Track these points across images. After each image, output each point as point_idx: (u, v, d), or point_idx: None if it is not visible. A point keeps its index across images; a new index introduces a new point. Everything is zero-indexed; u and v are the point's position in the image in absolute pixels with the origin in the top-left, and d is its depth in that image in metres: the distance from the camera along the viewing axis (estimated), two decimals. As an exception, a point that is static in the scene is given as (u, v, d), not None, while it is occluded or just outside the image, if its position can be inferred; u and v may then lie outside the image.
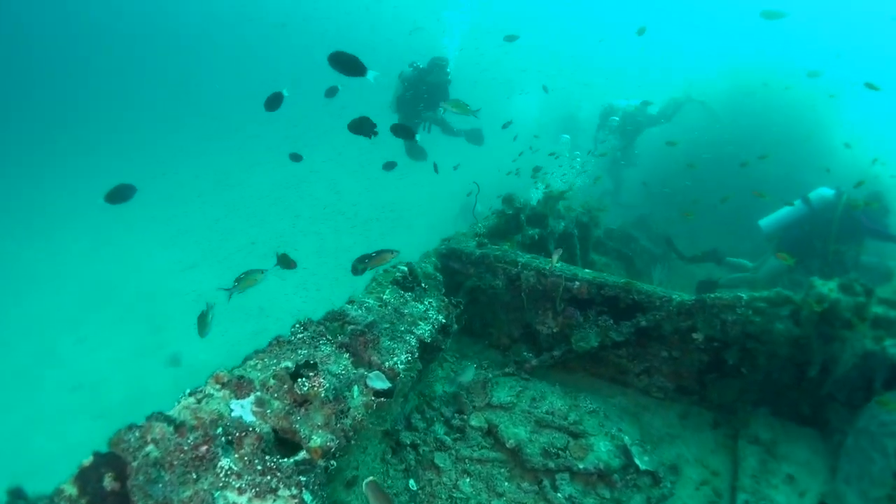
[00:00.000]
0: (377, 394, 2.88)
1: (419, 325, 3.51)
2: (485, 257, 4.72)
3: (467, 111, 10.53)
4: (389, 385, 2.90)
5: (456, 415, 4.07)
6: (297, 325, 3.15)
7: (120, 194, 6.77)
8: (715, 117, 13.22)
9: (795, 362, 4.28)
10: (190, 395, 2.63)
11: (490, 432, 3.96)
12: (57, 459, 12.55)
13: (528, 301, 4.63)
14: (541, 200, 7.12)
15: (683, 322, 4.24)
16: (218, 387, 2.67)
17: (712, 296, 4.21)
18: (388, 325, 3.33)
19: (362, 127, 5.13)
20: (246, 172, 25.11)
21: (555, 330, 4.62)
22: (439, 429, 3.96)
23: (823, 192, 7.89)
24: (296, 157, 10.03)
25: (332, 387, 2.70)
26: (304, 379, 2.65)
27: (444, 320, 3.71)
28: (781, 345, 4.19)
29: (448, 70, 12.16)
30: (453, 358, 4.75)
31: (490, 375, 4.37)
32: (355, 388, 2.83)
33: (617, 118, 13.76)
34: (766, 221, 8.32)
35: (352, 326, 3.18)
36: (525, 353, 4.67)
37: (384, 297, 3.67)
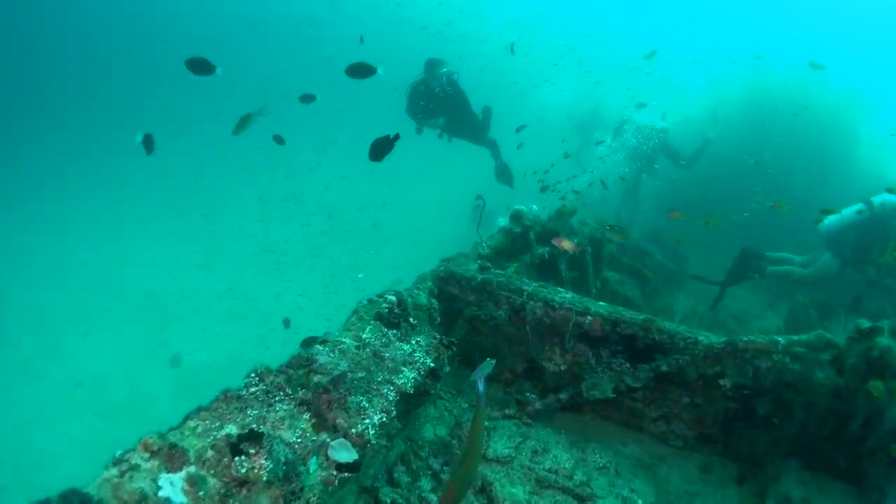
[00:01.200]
0: (340, 467, 2.31)
1: (402, 371, 2.93)
2: (487, 283, 4.14)
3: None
4: (355, 457, 2.34)
5: (445, 468, 3.50)
6: (253, 375, 2.58)
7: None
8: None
9: (835, 413, 3.70)
10: (114, 464, 2.07)
11: (483, 490, 3.38)
12: (61, 457, 12.21)
13: (534, 335, 4.05)
14: (552, 216, 6.55)
15: (710, 368, 3.65)
16: (146, 455, 2.12)
17: (745, 339, 3.62)
18: (363, 375, 2.75)
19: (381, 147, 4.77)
20: (266, 174, 24.56)
21: (562, 368, 4.04)
22: (426, 484, 3.39)
23: (887, 198, 7.38)
24: (279, 140, 9.42)
25: (281, 461, 2.14)
26: (243, 457, 2.09)
27: (432, 364, 3.13)
28: (821, 396, 3.61)
29: (444, 72, 10.52)
30: (449, 395, 4.18)
31: (487, 422, 3.79)
32: (313, 460, 2.27)
33: (633, 140, 12.46)
34: (825, 223, 7.82)
35: (318, 377, 2.61)
36: (528, 394, 4.08)
37: (363, 336, 3.09)
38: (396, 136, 4.73)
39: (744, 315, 10.50)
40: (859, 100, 14.18)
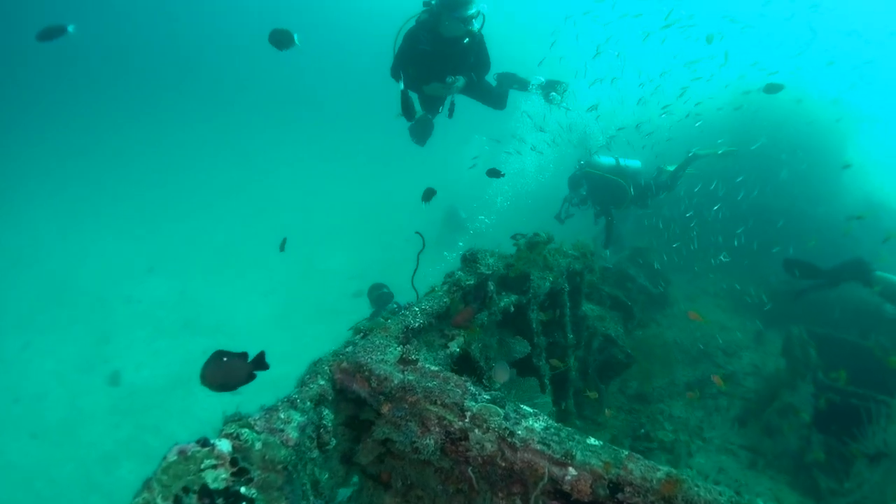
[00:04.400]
0: None
1: None
2: (408, 390, 2.45)
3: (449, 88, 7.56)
4: None
5: None
6: None
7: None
8: (733, 154, 10.19)
9: None
10: None
11: None
12: (-9, 477, 10.53)
13: (481, 479, 2.39)
14: (522, 249, 4.93)
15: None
16: None
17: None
18: None
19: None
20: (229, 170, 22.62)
21: (526, 526, 2.38)
22: None
23: None
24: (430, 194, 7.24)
25: None
26: None
27: None
28: None
29: (470, 14, 6.91)
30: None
31: None
32: None
33: (584, 190, 9.37)
34: None
35: None
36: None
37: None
38: None
39: (732, 347, 9.03)
40: (849, 113, 12.94)
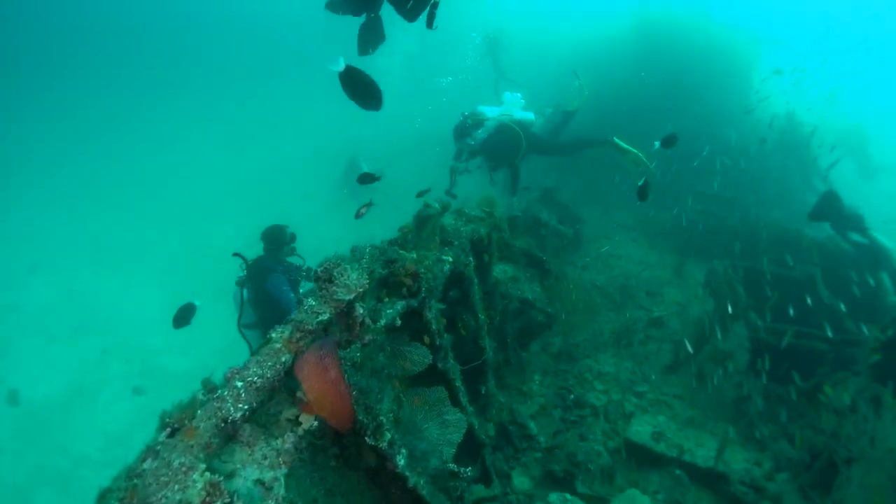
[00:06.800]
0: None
1: None
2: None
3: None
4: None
5: None
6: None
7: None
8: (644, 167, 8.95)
9: None
10: None
11: None
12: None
13: None
14: (409, 230, 4.01)
15: None
16: None
17: None
18: None
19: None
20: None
21: None
22: None
23: None
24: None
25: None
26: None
27: None
28: None
29: None
30: None
31: None
32: None
33: (471, 140, 8.30)
34: None
35: None
36: None
37: None
38: None
39: (654, 285, 8.40)
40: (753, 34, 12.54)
